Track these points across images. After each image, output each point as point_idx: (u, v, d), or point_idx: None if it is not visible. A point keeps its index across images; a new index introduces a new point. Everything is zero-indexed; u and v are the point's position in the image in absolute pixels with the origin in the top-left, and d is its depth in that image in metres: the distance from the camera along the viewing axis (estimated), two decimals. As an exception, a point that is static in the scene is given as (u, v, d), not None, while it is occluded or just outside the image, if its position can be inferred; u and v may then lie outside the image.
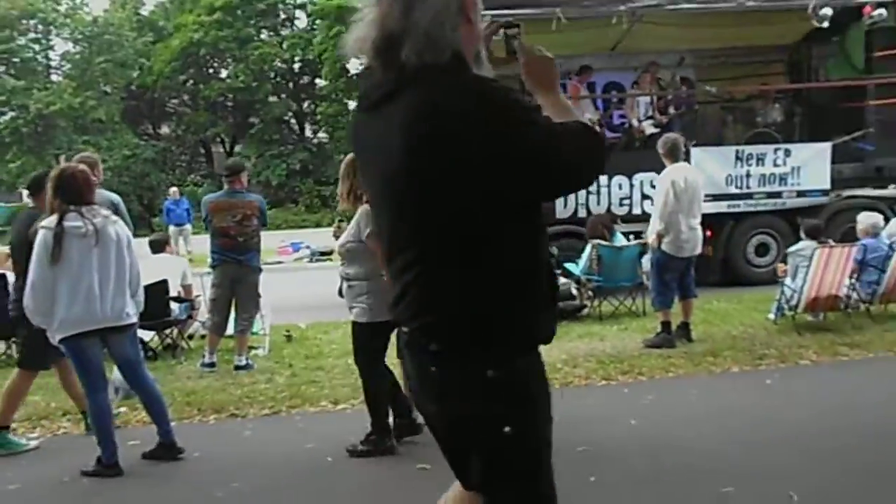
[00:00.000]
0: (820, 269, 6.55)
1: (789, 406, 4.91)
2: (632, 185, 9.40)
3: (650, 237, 6.79)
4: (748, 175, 9.37)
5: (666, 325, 6.67)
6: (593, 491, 3.68)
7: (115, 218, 4.32)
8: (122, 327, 4.21)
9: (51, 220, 4.05)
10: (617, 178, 9.38)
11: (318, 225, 22.13)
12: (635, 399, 5.30)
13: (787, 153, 9.42)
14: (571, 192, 1.91)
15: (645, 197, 9.18)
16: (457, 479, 1.91)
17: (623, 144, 10.37)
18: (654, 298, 6.84)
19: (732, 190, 9.37)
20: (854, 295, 6.88)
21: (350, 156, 4.29)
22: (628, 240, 8.55)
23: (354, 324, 4.38)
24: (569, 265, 8.50)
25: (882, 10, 8.73)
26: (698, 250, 6.71)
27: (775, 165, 9.39)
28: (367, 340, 4.32)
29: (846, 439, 4.20)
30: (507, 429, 1.71)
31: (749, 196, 9.44)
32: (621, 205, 9.44)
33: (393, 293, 1.83)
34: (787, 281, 7.00)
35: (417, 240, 1.74)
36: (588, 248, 8.19)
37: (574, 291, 8.47)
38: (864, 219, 7.25)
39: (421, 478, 4.01)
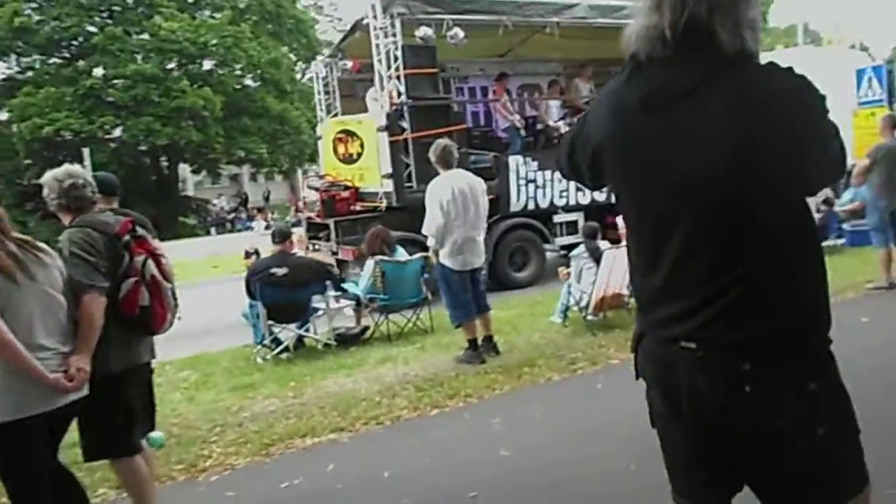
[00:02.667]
0: (608, 269, 6.80)
1: (636, 405, 4.90)
2: None
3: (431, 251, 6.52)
4: None
5: (472, 341, 6.39)
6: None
7: None
8: None
9: None
10: (559, 173, 9.82)
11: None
12: (484, 424, 4.92)
13: None
14: (824, 188, 1.83)
15: (579, 189, 10.44)
16: None
17: (543, 143, 11.59)
18: (451, 315, 6.50)
19: None
20: (627, 292, 7.27)
21: None
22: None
23: None
24: (347, 284, 7.86)
25: None
26: (479, 263, 6.43)
27: None
28: (14, 449, 2.92)
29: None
30: (826, 441, 1.59)
31: None
32: (561, 196, 10.63)
33: (679, 307, 1.62)
34: (573, 283, 7.19)
35: (730, 247, 1.56)
36: (370, 265, 7.64)
37: (352, 313, 7.87)
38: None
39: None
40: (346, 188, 10.56)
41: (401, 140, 9.70)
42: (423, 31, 9.59)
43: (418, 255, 7.75)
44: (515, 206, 10.36)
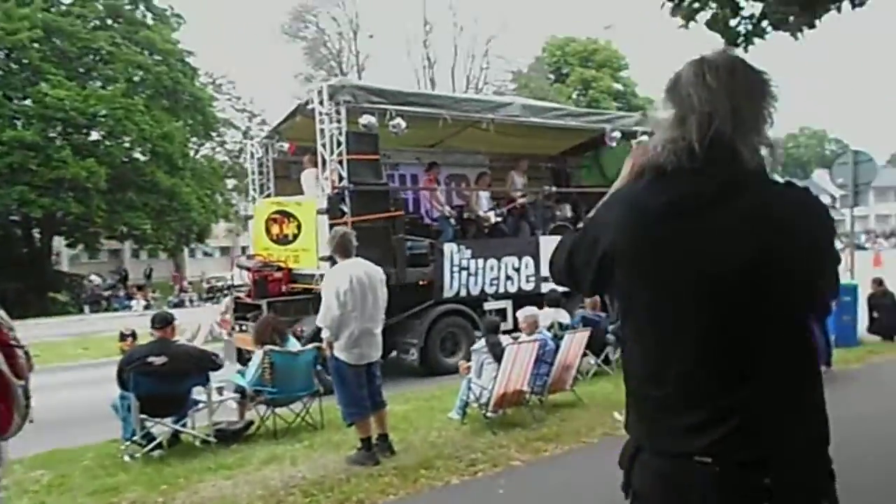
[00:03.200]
0: (509, 364, 6.62)
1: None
2: (500, 267, 10.91)
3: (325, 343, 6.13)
4: None
5: (365, 440, 5.97)
6: None
7: None
8: None
9: None
10: (490, 262, 10.85)
11: None
12: (378, 537, 4.49)
13: None
14: (829, 301, 1.83)
15: (508, 277, 11.00)
16: None
17: (474, 233, 11.85)
18: (344, 412, 6.07)
19: None
20: (528, 388, 7.09)
21: None
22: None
23: None
24: (234, 377, 7.30)
25: (616, 134, 12.13)
26: (376, 356, 6.08)
27: None
28: None
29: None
30: None
31: None
32: (491, 284, 10.83)
33: (692, 420, 1.58)
34: (474, 378, 6.95)
35: (746, 357, 1.58)
36: (258, 355, 7.12)
37: (235, 406, 7.29)
38: (527, 314, 7.64)
39: None
40: (279, 269, 10.43)
41: (341, 223, 9.63)
42: (367, 119, 9.82)
43: (311, 345, 7.33)
44: (448, 292, 10.47)
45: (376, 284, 6.03)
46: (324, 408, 7.23)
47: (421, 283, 10.40)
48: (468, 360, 7.33)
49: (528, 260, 11.19)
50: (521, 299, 10.58)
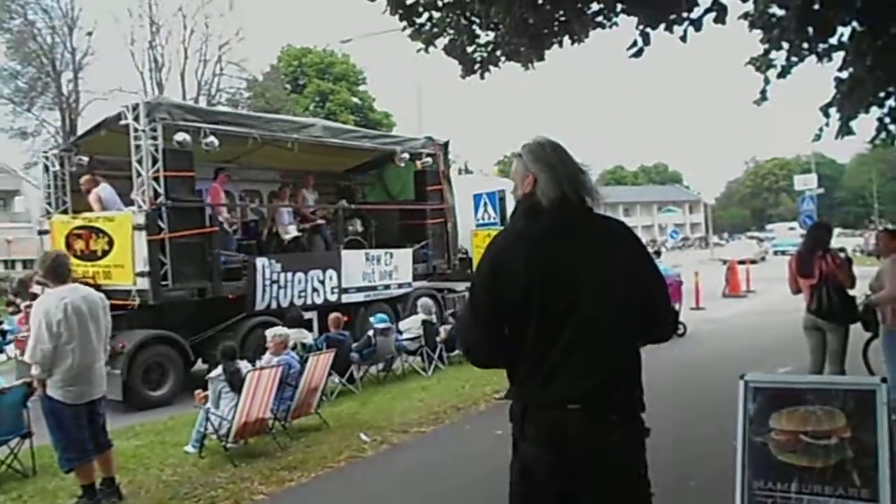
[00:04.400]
0: (251, 392, 6.34)
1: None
2: (307, 280, 11.37)
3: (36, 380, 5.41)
4: (373, 272, 12.54)
5: (88, 487, 5.35)
6: None
7: None
8: None
9: None
10: (298, 275, 11.22)
11: None
12: None
13: (391, 255, 12.99)
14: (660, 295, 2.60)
15: (314, 289, 11.50)
16: None
17: (274, 247, 12.12)
18: (61, 458, 5.37)
19: (366, 283, 12.41)
20: (271, 415, 6.86)
21: None
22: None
23: None
24: None
25: (405, 155, 13.37)
26: (99, 393, 5.46)
27: (386, 265, 12.79)
28: None
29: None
30: (645, 479, 2.44)
31: (374, 288, 12.57)
32: (299, 296, 11.22)
33: (566, 382, 2.34)
34: (211, 408, 6.56)
35: (614, 330, 2.37)
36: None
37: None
38: (275, 333, 7.40)
39: None
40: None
41: (158, 239, 9.81)
42: (182, 137, 9.94)
43: (18, 382, 6.42)
44: (260, 305, 10.71)
45: (98, 312, 5.45)
46: (36, 451, 6.36)
47: (231, 296, 10.61)
48: (204, 389, 6.89)
49: (331, 273, 11.85)
50: (326, 309, 11.21)
